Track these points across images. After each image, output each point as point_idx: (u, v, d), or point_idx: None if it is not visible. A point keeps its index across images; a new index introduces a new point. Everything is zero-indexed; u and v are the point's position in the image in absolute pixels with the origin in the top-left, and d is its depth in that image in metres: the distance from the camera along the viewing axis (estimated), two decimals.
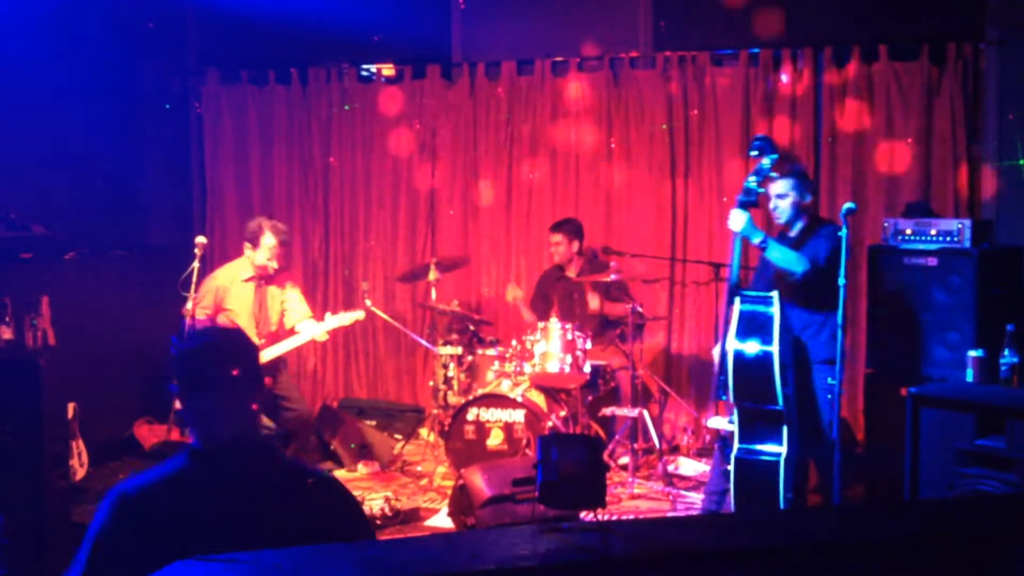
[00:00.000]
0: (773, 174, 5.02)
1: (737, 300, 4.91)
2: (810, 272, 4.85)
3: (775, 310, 4.81)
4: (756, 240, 4.90)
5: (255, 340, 6.23)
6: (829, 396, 4.94)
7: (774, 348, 4.75)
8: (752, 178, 4.98)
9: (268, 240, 6.28)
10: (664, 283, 7.34)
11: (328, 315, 6.43)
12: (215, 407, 2.42)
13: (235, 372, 2.42)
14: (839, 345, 4.64)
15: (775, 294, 4.85)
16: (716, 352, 5.28)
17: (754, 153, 5.01)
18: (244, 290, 6.36)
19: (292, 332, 6.41)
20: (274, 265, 6.35)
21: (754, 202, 5.00)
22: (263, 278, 6.40)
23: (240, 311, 6.32)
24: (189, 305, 5.80)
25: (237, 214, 8.20)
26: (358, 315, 6.43)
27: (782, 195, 5.08)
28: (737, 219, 4.93)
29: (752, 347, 4.79)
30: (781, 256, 4.90)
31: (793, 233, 5.13)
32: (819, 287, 4.89)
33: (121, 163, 7.48)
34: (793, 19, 7.07)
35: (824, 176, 6.94)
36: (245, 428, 2.44)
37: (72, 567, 2.36)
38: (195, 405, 2.44)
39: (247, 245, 6.36)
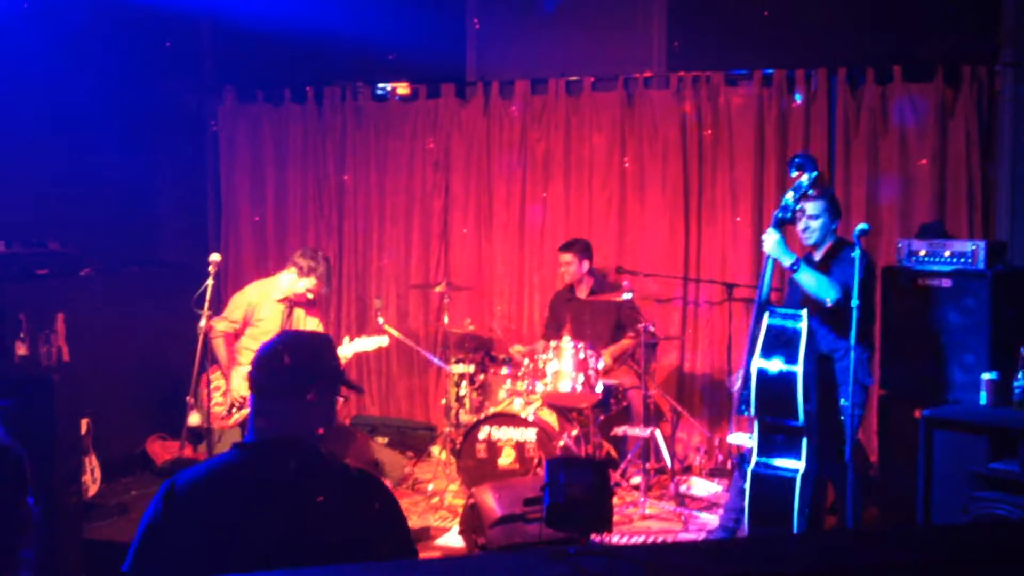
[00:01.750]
0: (811, 191, 5.01)
1: (766, 315, 4.90)
2: (841, 299, 4.82)
3: (803, 325, 4.79)
4: (788, 263, 4.89)
5: None
6: (843, 417, 4.93)
7: (799, 365, 4.73)
8: (790, 194, 4.98)
9: (318, 281, 6.29)
10: (677, 303, 7.33)
11: (346, 340, 6.40)
12: (273, 403, 2.51)
13: (287, 369, 2.51)
14: (851, 366, 4.62)
15: (804, 311, 4.84)
16: (736, 376, 5.27)
17: (794, 172, 5.00)
18: (275, 309, 6.36)
19: None
20: (310, 297, 6.36)
21: (790, 219, 5.01)
22: (294, 302, 6.40)
23: (268, 329, 6.33)
24: (203, 323, 5.82)
25: (251, 232, 8.24)
26: (381, 341, 6.37)
27: (814, 216, 5.08)
28: (770, 239, 4.93)
29: (777, 363, 4.78)
30: (812, 281, 4.88)
31: (818, 256, 5.13)
32: (847, 313, 4.87)
33: (137, 180, 7.54)
34: (807, 40, 7.08)
35: (838, 197, 6.91)
36: (299, 427, 2.51)
37: (126, 559, 2.42)
38: (256, 400, 2.53)
39: (294, 268, 6.34)
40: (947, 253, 5.52)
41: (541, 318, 7.50)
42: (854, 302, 4.58)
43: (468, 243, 7.91)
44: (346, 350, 6.29)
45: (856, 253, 4.59)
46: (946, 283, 5.47)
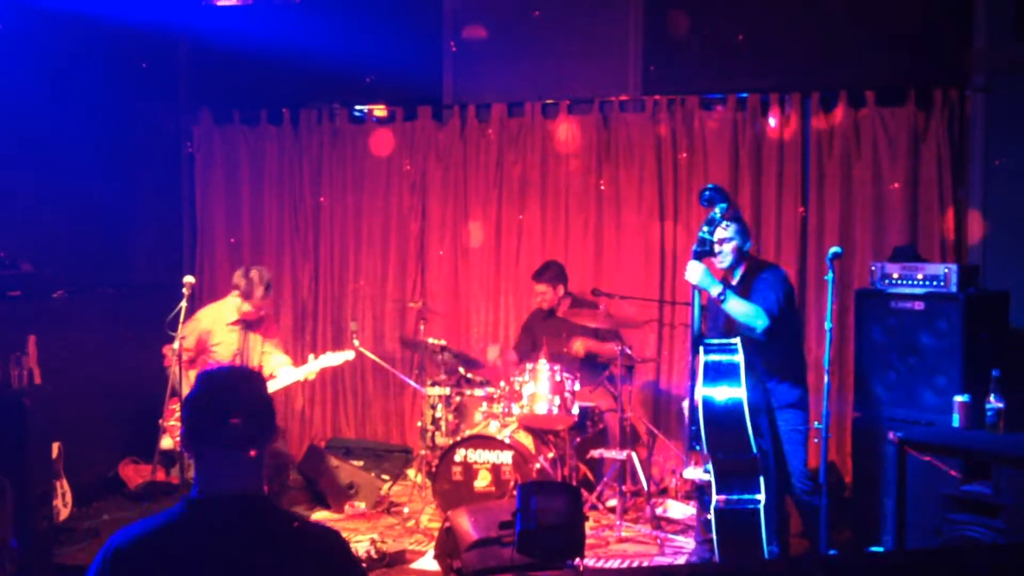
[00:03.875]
0: (725, 222, 5.08)
1: (701, 350, 4.92)
2: (770, 326, 4.88)
3: (739, 357, 4.83)
4: (715, 292, 4.93)
5: None
6: (801, 439, 4.97)
7: (742, 394, 4.76)
8: (705, 228, 5.05)
9: (258, 291, 6.29)
10: (653, 325, 7.34)
11: (311, 357, 6.40)
12: (217, 458, 2.36)
13: (237, 423, 2.35)
14: (826, 388, 4.65)
15: (737, 340, 4.88)
16: (686, 405, 5.31)
17: (704, 204, 5.07)
18: (229, 334, 6.36)
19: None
20: (261, 315, 6.36)
21: (709, 251, 5.09)
22: (248, 323, 6.39)
23: (224, 354, 6.32)
24: (176, 345, 5.79)
25: (227, 253, 8.21)
26: (347, 355, 6.41)
27: (725, 239, 5.15)
28: (694, 271, 4.98)
29: (721, 395, 4.81)
30: (740, 310, 4.93)
31: (735, 280, 5.19)
32: (775, 334, 4.92)
33: (111, 201, 7.49)
34: (781, 64, 7.14)
35: (812, 219, 6.97)
36: (247, 481, 2.38)
37: None
38: (197, 454, 2.37)
39: (235, 292, 6.36)
40: (920, 276, 5.57)
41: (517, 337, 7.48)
42: (828, 324, 4.61)
43: (445, 265, 7.90)
44: (312, 367, 6.26)
45: (829, 276, 4.63)
46: (919, 306, 5.52)
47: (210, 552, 2.29)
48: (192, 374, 6.23)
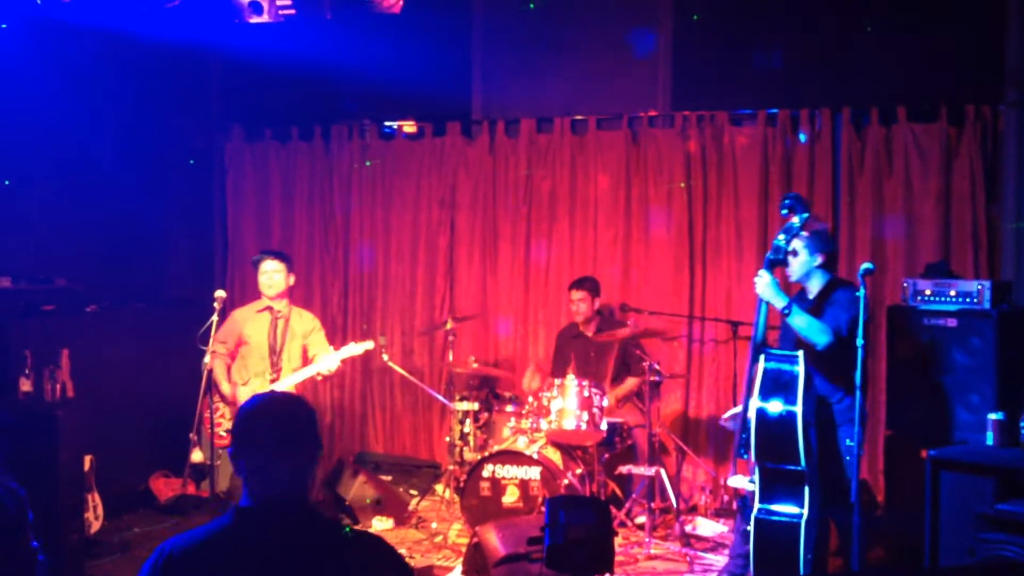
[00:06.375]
0: (803, 232, 5.01)
1: (762, 357, 4.88)
2: (833, 343, 4.81)
3: (800, 369, 4.78)
4: (780, 305, 4.87)
5: (270, 369, 6.26)
6: (848, 458, 4.91)
7: (798, 407, 4.71)
8: (781, 236, 4.96)
9: (279, 270, 6.37)
10: (682, 341, 7.31)
11: (331, 349, 6.35)
12: (266, 468, 2.41)
13: (288, 433, 2.42)
14: (857, 406, 4.61)
15: (800, 353, 4.82)
16: (728, 415, 5.26)
17: (785, 212, 5.00)
18: (259, 320, 6.38)
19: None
20: (270, 292, 6.35)
21: (782, 261, 4.99)
22: (275, 312, 6.38)
23: (257, 340, 6.32)
24: (207, 359, 5.83)
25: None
26: (367, 345, 6.35)
27: (794, 253, 5.07)
28: (762, 282, 4.92)
29: (776, 405, 4.76)
30: (804, 325, 4.85)
31: (812, 295, 5.10)
32: (842, 354, 4.85)
33: (144, 216, 7.58)
34: (811, 80, 7.11)
35: (843, 236, 6.93)
36: (295, 490, 2.42)
37: None
38: (247, 464, 2.42)
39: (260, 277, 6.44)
40: (952, 293, 5.52)
41: (547, 356, 7.48)
42: (859, 341, 4.56)
43: (473, 280, 7.92)
44: (333, 360, 6.22)
45: (862, 292, 4.58)
46: (951, 323, 5.47)
47: (260, 560, 2.33)
48: (237, 367, 6.29)
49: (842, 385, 4.97)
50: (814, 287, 5.09)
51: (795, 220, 4.93)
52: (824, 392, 4.97)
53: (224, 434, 6.19)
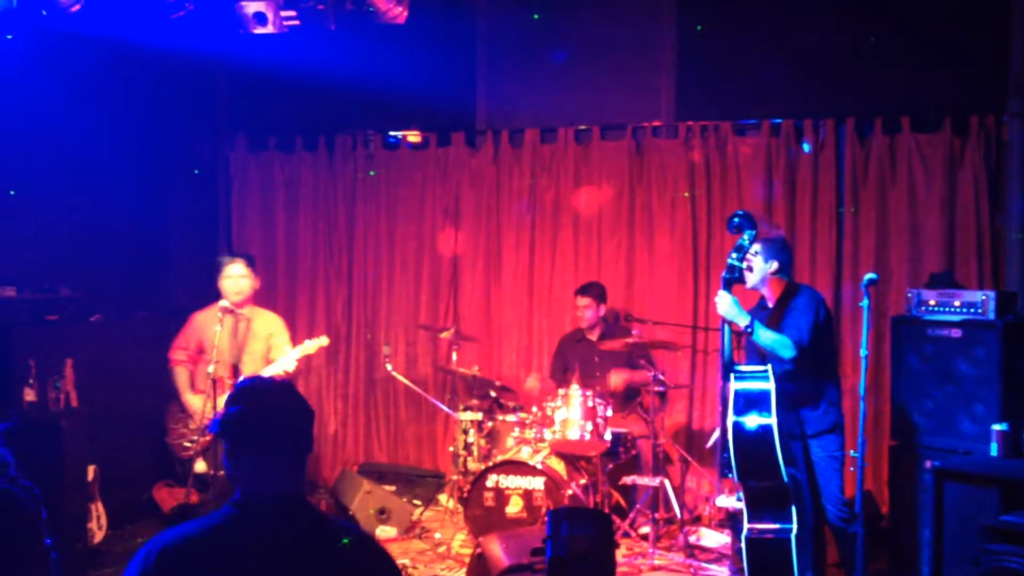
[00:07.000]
0: (755, 248, 5.03)
1: (732, 377, 4.89)
2: (797, 355, 4.83)
3: (770, 385, 4.79)
4: (743, 324, 4.88)
5: (230, 373, 6.24)
6: (837, 465, 4.92)
7: (772, 422, 4.71)
8: (733, 255, 4.98)
9: (241, 273, 6.40)
10: (686, 351, 7.30)
11: (287, 348, 6.33)
12: (258, 463, 2.39)
13: (282, 428, 2.42)
14: (862, 415, 4.60)
15: (769, 368, 4.84)
16: (715, 438, 5.26)
17: (732, 231, 5.03)
18: (222, 325, 6.34)
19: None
20: (237, 299, 6.34)
21: (739, 279, 5.02)
22: (237, 314, 6.35)
23: (218, 343, 6.28)
24: (211, 369, 5.82)
25: (262, 277, 8.24)
26: (321, 341, 6.33)
27: (752, 265, 5.10)
28: (723, 301, 4.93)
29: (751, 422, 4.76)
30: (768, 341, 4.88)
31: (771, 302, 5.13)
32: (808, 361, 4.87)
33: (148, 226, 7.59)
34: (815, 90, 7.11)
35: (847, 246, 6.93)
36: (288, 485, 2.41)
37: None
38: (241, 461, 2.40)
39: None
40: (957, 303, 5.51)
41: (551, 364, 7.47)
42: (863, 352, 4.56)
43: (477, 290, 7.92)
44: (289, 359, 6.19)
45: (864, 303, 4.59)
46: (956, 333, 5.46)
47: (254, 554, 2.31)
48: (203, 369, 6.26)
49: (811, 398, 4.99)
50: (771, 294, 5.14)
51: (744, 238, 4.96)
52: (795, 401, 4.98)
53: (188, 445, 6.20)
